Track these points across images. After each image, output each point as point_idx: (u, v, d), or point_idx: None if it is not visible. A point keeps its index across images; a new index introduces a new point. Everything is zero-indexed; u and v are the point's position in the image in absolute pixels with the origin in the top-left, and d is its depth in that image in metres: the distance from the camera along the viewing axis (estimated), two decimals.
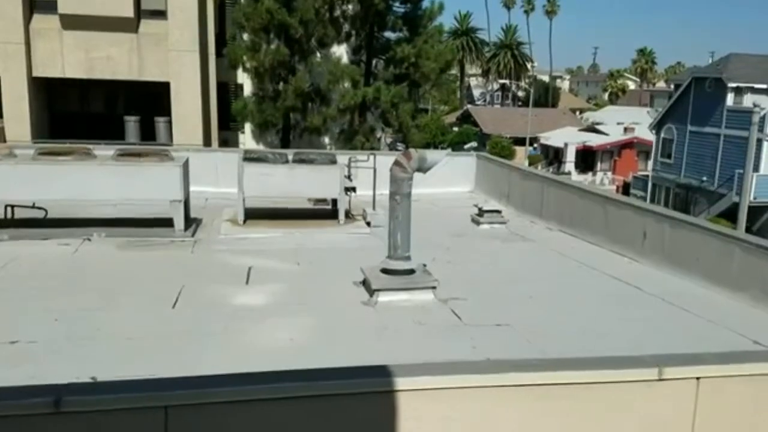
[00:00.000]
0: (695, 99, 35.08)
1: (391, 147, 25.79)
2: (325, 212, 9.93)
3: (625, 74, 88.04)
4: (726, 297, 6.40)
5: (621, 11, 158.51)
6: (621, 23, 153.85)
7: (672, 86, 42.15)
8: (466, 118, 56.45)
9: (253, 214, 9.30)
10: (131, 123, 19.68)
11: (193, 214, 9.20)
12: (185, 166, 8.81)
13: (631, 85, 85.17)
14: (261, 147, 21.23)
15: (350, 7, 22.08)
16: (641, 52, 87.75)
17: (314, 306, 6.12)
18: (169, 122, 19.68)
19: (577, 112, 67.37)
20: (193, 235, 8.65)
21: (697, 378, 3.51)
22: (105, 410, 2.97)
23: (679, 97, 36.48)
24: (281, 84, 21.55)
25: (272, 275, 7.06)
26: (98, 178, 8.36)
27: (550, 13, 79.88)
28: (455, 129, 52.45)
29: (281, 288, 6.65)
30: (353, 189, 9.88)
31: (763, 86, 30.94)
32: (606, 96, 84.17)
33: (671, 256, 7.28)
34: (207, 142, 19.84)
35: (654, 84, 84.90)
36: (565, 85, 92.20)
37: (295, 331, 5.44)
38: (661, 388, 3.48)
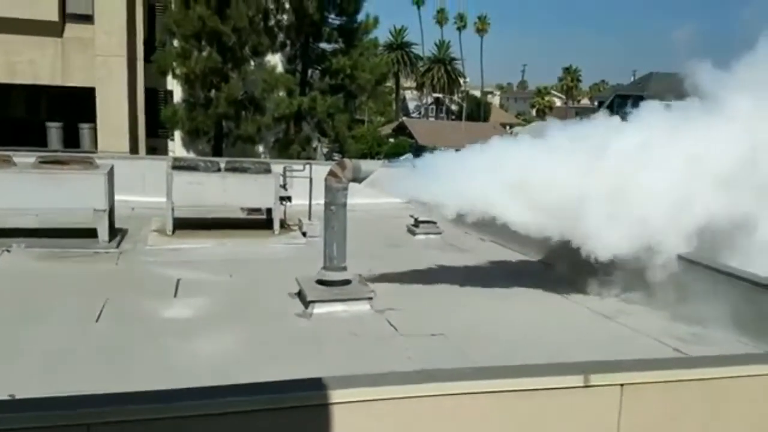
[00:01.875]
0: (618, 116, 36.65)
1: (328, 157, 25.71)
2: (259, 222, 9.78)
3: (552, 91, 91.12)
4: (649, 306, 6.67)
5: (548, 30, 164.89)
6: (548, 42, 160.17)
7: (596, 103, 44.02)
8: (402, 130, 57.00)
9: (183, 225, 9.05)
10: (54, 129, 18.85)
11: (118, 225, 8.88)
12: (110, 174, 8.50)
13: (558, 102, 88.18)
14: (192, 155, 20.73)
15: (285, 17, 21.96)
16: (567, 70, 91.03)
17: (247, 318, 6.00)
18: (94, 129, 18.97)
19: (507, 127, 69.18)
20: (117, 246, 8.34)
21: (621, 384, 3.63)
22: (24, 428, 2.81)
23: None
24: (213, 91, 21.15)
25: (202, 287, 6.87)
26: (18, 187, 7.97)
27: (481, 30, 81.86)
28: (391, 140, 52.92)
29: (212, 300, 6.48)
30: (288, 198, 9.78)
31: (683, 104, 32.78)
32: (534, 112, 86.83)
33: (597, 269, 7.52)
34: (134, 149, 19.24)
35: (579, 101, 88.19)
36: (495, 100, 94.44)
37: (226, 345, 5.31)
38: (586, 395, 3.58)
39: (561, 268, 7.48)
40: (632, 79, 52.12)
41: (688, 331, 5.98)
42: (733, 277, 6.00)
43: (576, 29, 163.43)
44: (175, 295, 6.56)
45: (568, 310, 6.74)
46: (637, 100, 7.41)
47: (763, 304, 5.68)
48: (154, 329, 5.55)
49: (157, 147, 21.57)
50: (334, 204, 6.35)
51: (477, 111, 74.01)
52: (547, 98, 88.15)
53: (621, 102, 36.84)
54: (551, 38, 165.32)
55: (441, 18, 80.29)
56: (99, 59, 18.51)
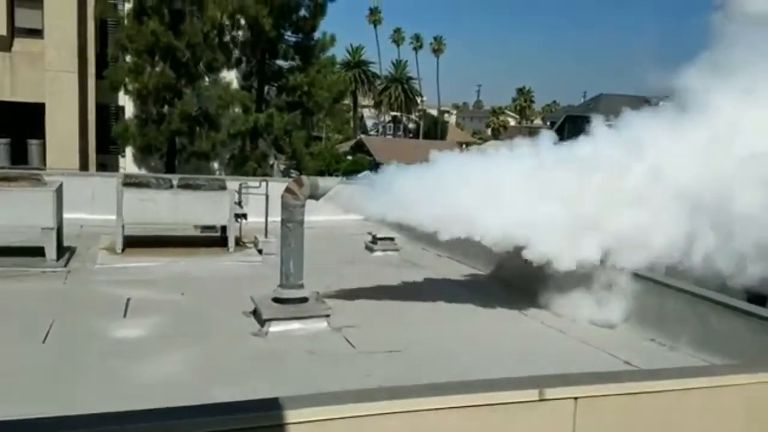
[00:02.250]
0: (569, 135, 37.56)
1: (285, 174, 25.59)
2: (213, 240, 9.62)
3: (506, 111, 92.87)
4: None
5: (503, 52, 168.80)
6: (502, 63, 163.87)
7: (548, 123, 45.04)
8: (360, 148, 57.20)
9: (134, 242, 8.84)
10: (1, 145, 18.31)
11: (66, 243, 8.61)
12: (58, 191, 8.26)
13: (512, 122, 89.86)
14: (143, 172, 20.36)
15: (240, 33, 21.87)
16: (520, 90, 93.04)
17: (200, 338, 5.87)
18: (43, 145, 18.47)
19: (464, 146, 70.10)
20: (66, 265, 8.09)
21: (575, 398, 3.69)
22: None
23: (554, 133, 38.98)
24: (166, 107, 20.86)
25: (154, 306, 6.70)
26: None
27: (437, 51, 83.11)
28: (349, 158, 53.06)
29: (163, 320, 6.32)
30: (244, 216, 9.66)
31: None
32: (489, 131, 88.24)
33: (549, 282, 7.64)
34: (84, 165, 18.81)
35: (532, 121, 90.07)
36: (452, 119, 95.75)
37: (178, 365, 5.18)
38: (541, 409, 3.62)
39: (515, 282, 7.58)
40: (582, 99, 53.69)
41: (639, 344, 6.13)
42: (680, 291, 6.18)
43: (529, 51, 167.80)
44: (125, 314, 6.38)
45: (523, 324, 6.82)
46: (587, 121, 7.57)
47: (708, 317, 5.87)
48: (103, 350, 5.37)
49: (107, 164, 21.17)
50: (291, 221, 6.30)
51: (434, 129, 74.93)
52: (501, 118, 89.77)
53: (572, 122, 37.87)
54: (505, 59, 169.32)
55: (398, 38, 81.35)
56: (49, 74, 18.10)
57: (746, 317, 5.59)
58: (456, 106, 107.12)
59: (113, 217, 8.80)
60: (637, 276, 6.56)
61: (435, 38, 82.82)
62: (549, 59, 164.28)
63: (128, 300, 6.71)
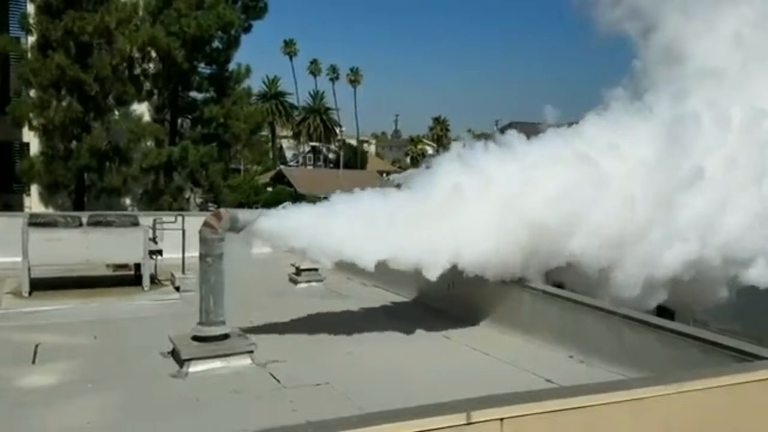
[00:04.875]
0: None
1: (202, 208, 24.95)
2: (127, 279, 9.25)
3: (424, 140, 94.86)
4: (520, 339, 6.98)
5: (419, 82, 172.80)
6: (417, 93, 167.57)
7: None
8: (280, 179, 56.83)
9: (42, 285, 8.40)
10: None
11: None
12: None
13: (430, 150, 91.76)
14: (51, 210, 19.35)
15: (151, 65, 21.35)
16: (436, 120, 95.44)
17: (115, 383, 5.58)
18: None
19: (384, 174, 70.89)
20: None
21: (501, 419, 3.74)
22: None
23: None
24: (74, 142, 19.99)
25: (65, 352, 6.35)
26: None
27: (354, 82, 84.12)
28: (270, 189, 52.48)
29: (75, 365, 5.99)
30: (159, 252, 9.35)
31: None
32: (408, 160, 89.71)
33: (470, 305, 7.79)
34: None
35: (449, 149, 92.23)
36: (371, 149, 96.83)
37: (92, 413, 4.90)
38: None
39: (442, 306, 7.67)
40: (495, 128, 55.69)
41: (558, 361, 6.32)
42: (595, 308, 6.44)
43: (443, 81, 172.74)
44: (34, 361, 6.03)
45: (448, 348, 6.90)
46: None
47: (623, 332, 6.14)
48: (10, 400, 5.04)
49: (12, 203, 20.10)
50: (210, 255, 6.15)
51: (354, 159, 75.46)
52: (419, 146, 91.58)
53: None
54: (421, 89, 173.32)
55: (315, 69, 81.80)
56: None
57: (657, 331, 5.89)
58: (375, 136, 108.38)
59: (19, 259, 8.35)
60: (553, 295, 6.79)
61: (351, 69, 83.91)
62: (463, 88, 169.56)
63: (37, 346, 6.36)
